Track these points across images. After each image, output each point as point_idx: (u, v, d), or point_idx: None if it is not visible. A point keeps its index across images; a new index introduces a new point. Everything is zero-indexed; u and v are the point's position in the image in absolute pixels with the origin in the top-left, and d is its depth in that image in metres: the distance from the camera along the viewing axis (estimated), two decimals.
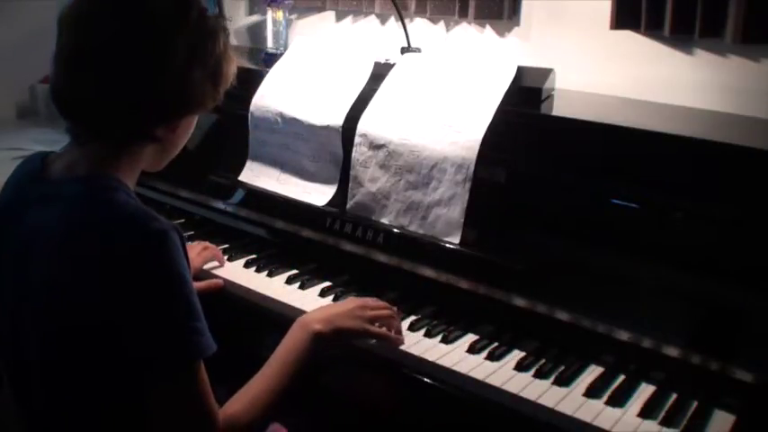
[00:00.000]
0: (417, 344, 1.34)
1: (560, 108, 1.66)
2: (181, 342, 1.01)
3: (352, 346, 1.32)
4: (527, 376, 1.25)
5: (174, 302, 1.01)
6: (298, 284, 1.55)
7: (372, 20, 2.32)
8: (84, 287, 1.00)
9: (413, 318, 1.43)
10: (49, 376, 1.07)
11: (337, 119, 1.64)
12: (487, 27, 2.08)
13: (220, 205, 1.79)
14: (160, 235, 1.00)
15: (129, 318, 0.99)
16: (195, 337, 1.01)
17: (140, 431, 1.05)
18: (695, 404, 1.19)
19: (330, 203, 1.63)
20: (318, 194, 1.66)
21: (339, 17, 2.40)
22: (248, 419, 1.10)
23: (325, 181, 1.67)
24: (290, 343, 1.22)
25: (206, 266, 1.62)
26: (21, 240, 1.07)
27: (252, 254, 1.68)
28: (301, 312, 1.39)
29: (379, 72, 1.67)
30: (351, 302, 1.34)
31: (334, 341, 1.26)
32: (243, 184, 1.77)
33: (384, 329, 1.32)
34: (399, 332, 1.34)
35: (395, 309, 1.37)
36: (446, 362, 1.28)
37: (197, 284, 1.52)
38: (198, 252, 1.60)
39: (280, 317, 1.43)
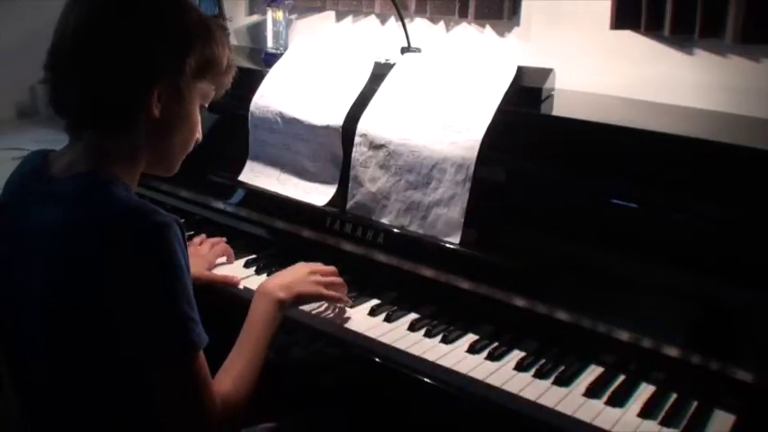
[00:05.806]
0: (417, 344, 1.34)
1: (560, 108, 1.66)
2: (181, 331, 1.02)
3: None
4: (527, 376, 1.25)
5: (176, 293, 1.02)
6: None
7: (372, 20, 2.31)
8: (86, 281, 1.00)
9: (413, 317, 1.43)
10: (52, 370, 1.08)
11: (337, 119, 1.64)
12: (487, 27, 2.08)
13: (220, 205, 1.79)
14: (162, 227, 1.01)
15: (130, 308, 1.00)
16: (193, 327, 1.03)
17: (142, 421, 1.06)
18: (695, 404, 1.19)
19: (330, 203, 1.63)
20: (318, 194, 1.66)
21: (339, 17, 2.40)
22: (240, 396, 1.14)
23: (324, 181, 1.67)
24: (260, 314, 1.28)
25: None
26: (24, 237, 1.08)
27: (252, 254, 1.68)
28: (301, 313, 1.40)
29: (379, 72, 1.67)
30: (303, 267, 1.42)
31: (294, 305, 1.35)
32: (243, 184, 1.77)
33: (335, 293, 1.41)
34: (346, 299, 1.44)
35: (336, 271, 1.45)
36: (446, 362, 1.28)
37: (215, 275, 1.56)
38: (209, 248, 1.62)
39: None
